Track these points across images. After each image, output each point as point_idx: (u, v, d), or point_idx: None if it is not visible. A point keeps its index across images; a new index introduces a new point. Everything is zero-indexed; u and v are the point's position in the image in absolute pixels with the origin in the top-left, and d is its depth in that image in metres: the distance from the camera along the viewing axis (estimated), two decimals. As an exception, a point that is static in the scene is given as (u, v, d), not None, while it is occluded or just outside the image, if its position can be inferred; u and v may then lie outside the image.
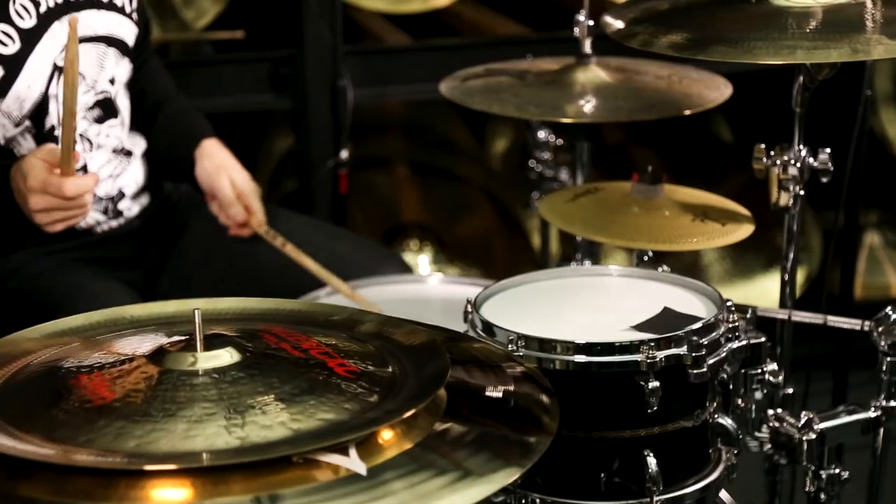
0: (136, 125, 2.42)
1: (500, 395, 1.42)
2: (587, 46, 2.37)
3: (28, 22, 2.17)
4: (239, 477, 1.21)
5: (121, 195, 2.37)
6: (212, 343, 1.38)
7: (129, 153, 2.38)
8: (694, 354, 1.73)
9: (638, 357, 1.72)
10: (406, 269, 2.55)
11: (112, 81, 2.31)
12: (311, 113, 3.23)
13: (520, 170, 4.48)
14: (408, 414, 1.30)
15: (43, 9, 2.18)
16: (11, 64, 2.16)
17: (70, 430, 1.25)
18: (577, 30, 2.38)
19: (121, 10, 2.31)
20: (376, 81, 3.28)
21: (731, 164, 4.46)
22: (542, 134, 2.79)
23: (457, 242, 4.11)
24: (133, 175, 2.40)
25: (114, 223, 2.38)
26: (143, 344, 1.43)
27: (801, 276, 4.14)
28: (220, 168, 2.39)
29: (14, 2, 2.15)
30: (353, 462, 1.25)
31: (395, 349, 1.48)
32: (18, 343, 1.45)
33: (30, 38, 2.17)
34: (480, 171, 4.43)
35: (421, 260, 3.92)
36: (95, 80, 2.28)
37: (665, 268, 2.09)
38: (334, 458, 1.24)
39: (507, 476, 1.29)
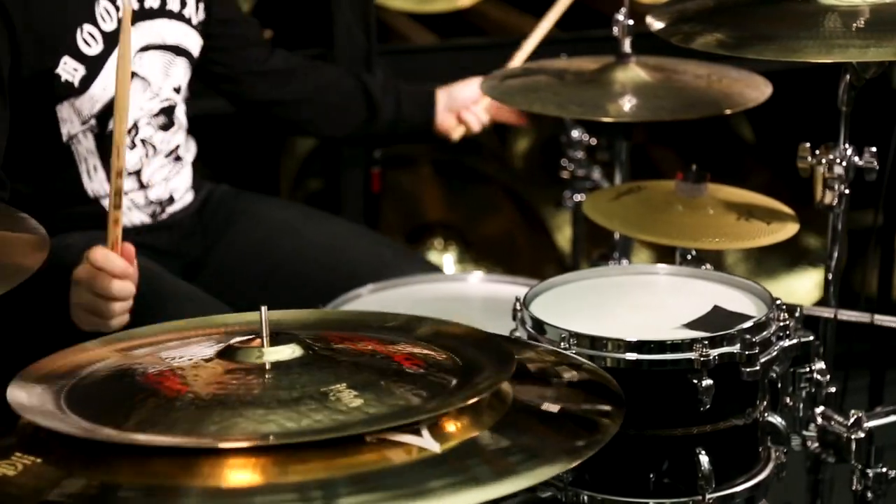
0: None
1: (556, 409, 1.42)
2: (626, 45, 2.37)
3: (110, 25, 2.19)
4: (315, 457, 1.23)
5: (170, 200, 2.39)
6: (278, 339, 1.40)
7: (179, 158, 2.40)
8: (747, 353, 1.74)
9: (691, 355, 1.72)
10: (433, 269, 2.57)
11: (177, 90, 2.32)
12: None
13: (543, 169, 4.49)
14: (479, 397, 1.31)
15: (121, 15, 2.19)
16: (93, 64, 2.17)
17: (149, 420, 1.28)
18: (616, 29, 2.38)
19: (188, 21, 2.32)
20: (407, 81, 3.28)
21: (753, 163, 4.46)
22: (575, 133, 2.79)
23: (481, 241, 4.12)
24: (183, 179, 2.42)
25: (159, 219, 2.40)
26: (208, 346, 1.45)
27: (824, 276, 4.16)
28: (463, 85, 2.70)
29: (99, 3, 2.17)
30: (426, 441, 1.26)
31: (457, 346, 1.48)
32: (86, 349, 1.46)
33: (111, 41, 2.18)
34: (503, 170, 4.43)
35: (446, 259, 3.93)
36: (160, 87, 2.29)
37: (708, 266, 2.09)
38: (407, 438, 1.26)
39: (566, 465, 1.32)
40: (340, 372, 1.37)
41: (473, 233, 4.15)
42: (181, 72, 2.33)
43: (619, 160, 2.55)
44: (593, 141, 2.80)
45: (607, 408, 1.42)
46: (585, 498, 1.79)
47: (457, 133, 2.72)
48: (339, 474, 1.22)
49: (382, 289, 2.34)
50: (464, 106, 2.69)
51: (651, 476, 1.77)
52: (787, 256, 4.05)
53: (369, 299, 2.29)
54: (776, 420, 1.83)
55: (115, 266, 1.90)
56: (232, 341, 1.41)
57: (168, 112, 2.33)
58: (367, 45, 3.11)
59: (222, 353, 1.40)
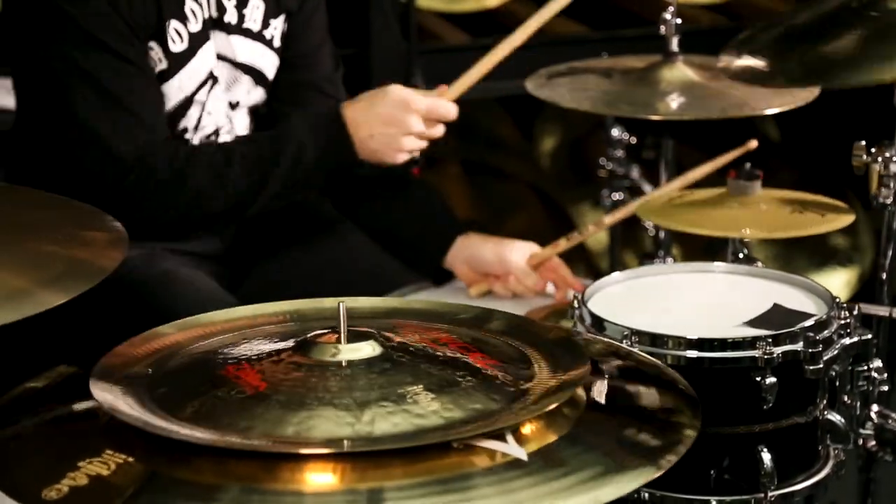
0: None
1: (652, 400, 1.42)
2: (674, 44, 2.37)
3: (195, 25, 2.19)
4: (397, 462, 1.22)
5: None
6: (355, 336, 1.40)
7: None
8: (810, 350, 1.74)
9: (754, 353, 1.73)
10: None
11: (233, 106, 2.30)
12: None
13: (570, 168, 4.50)
14: (558, 403, 1.31)
15: (206, 16, 2.21)
16: (175, 61, 2.18)
17: (230, 418, 1.27)
18: (663, 28, 2.38)
19: (268, 43, 2.31)
20: (442, 80, 3.28)
21: (779, 162, 4.46)
22: (615, 132, 2.80)
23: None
24: None
25: None
26: (283, 337, 1.45)
27: (853, 275, 4.16)
28: (501, 244, 2.38)
29: (186, 3, 2.18)
30: (511, 448, 1.25)
31: (529, 344, 1.48)
32: (161, 336, 1.46)
33: (195, 42, 2.19)
34: (530, 169, 4.44)
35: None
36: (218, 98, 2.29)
37: (760, 264, 2.09)
38: (494, 444, 1.25)
39: (647, 474, 1.31)
40: (417, 372, 1.36)
41: (501, 231, 4.15)
42: (243, 90, 2.31)
43: (665, 159, 2.56)
44: (633, 140, 2.80)
45: (684, 410, 1.41)
46: (646, 495, 1.79)
47: (475, 291, 2.36)
48: (422, 478, 1.22)
49: (429, 287, 2.35)
50: (500, 270, 2.35)
51: (712, 473, 1.77)
52: (816, 256, 4.05)
53: (420, 295, 2.30)
54: (835, 418, 1.83)
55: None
56: (308, 335, 1.41)
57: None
58: (406, 46, 3.11)
59: (298, 347, 1.40)
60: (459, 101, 3.97)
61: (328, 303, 1.56)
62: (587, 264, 4.16)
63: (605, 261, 4.14)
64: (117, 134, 2.12)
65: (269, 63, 2.33)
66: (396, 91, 2.19)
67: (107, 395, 1.29)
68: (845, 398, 1.92)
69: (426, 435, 1.24)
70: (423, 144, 2.22)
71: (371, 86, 3.22)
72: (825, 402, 1.83)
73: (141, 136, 2.13)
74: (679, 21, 2.36)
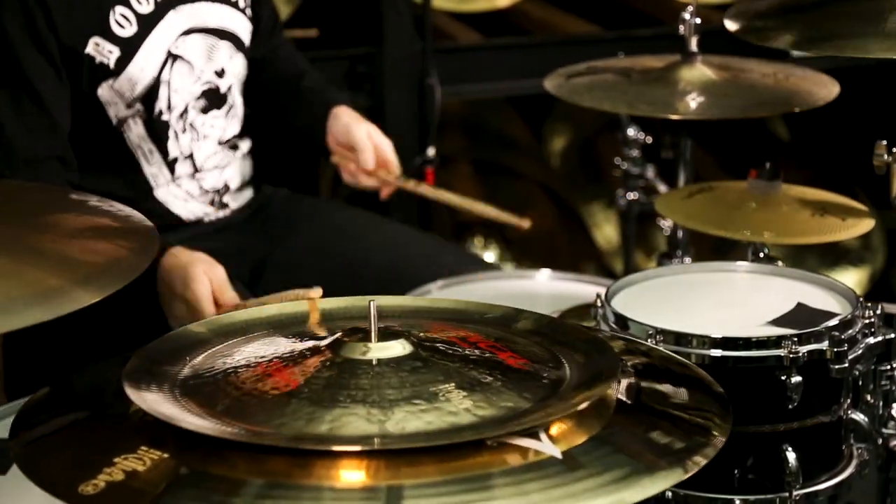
0: (266, 110, 2.49)
1: (682, 401, 1.42)
2: (693, 44, 2.37)
3: (146, 8, 2.24)
4: (429, 460, 1.22)
5: (226, 188, 2.40)
6: (385, 334, 1.40)
7: (235, 146, 2.40)
8: (836, 350, 1.74)
9: (779, 352, 1.73)
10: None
11: (220, 73, 2.34)
12: (388, 111, 3.24)
13: (581, 167, 4.50)
14: (591, 401, 1.31)
15: None
16: (127, 45, 2.22)
17: (263, 415, 1.28)
18: (682, 28, 2.38)
19: (234, 5, 2.35)
20: (457, 80, 3.30)
21: (788, 162, 4.46)
22: (631, 131, 2.80)
23: (520, 240, 4.12)
24: (238, 169, 2.44)
25: (220, 214, 2.42)
26: (313, 335, 1.46)
27: (864, 275, 4.17)
28: (358, 120, 2.47)
29: None
30: (545, 446, 1.25)
31: (558, 343, 1.48)
32: (192, 334, 1.46)
33: (147, 24, 2.23)
34: (540, 168, 4.44)
35: (487, 257, 3.94)
36: (202, 70, 2.32)
37: (780, 263, 2.09)
38: (528, 442, 1.25)
39: (675, 476, 1.30)
40: (448, 370, 1.36)
41: (513, 231, 4.16)
42: (224, 55, 2.35)
43: (684, 159, 2.56)
44: (649, 139, 2.81)
45: (715, 411, 1.42)
46: (670, 494, 1.79)
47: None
48: (455, 475, 1.22)
49: (450, 285, 2.35)
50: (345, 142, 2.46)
51: (736, 472, 1.78)
52: (828, 256, 4.06)
53: (437, 295, 2.30)
54: (859, 417, 1.84)
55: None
56: (339, 334, 1.41)
57: (209, 95, 2.34)
58: (421, 45, 3.11)
59: (330, 345, 1.40)
60: (469, 101, 4.00)
61: (358, 301, 1.56)
62: (598, 263, 4.17)
63: (616, 260, 4.15)
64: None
65: (241, 27, 2.37)
66: (198, 271, 2.08)
67: (141, 393, 1.30)
68: (868, 397, 1.92)
69: (459, 433, 1.24)
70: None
71: (384, 85, 3.24)
72: (849, 401, 1.83)
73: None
74: (699, 21, 2.36)
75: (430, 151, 3.15)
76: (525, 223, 2.35)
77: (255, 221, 2.47)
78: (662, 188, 2.84)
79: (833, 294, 1.91)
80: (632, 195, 2.85)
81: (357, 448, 1.22)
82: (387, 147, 2.44)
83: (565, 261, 3.98)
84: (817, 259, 4.04)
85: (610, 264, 4.12)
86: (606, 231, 4.18)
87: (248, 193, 2.47)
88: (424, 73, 3.12)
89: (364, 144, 2.41)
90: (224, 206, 2.41)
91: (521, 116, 4.39)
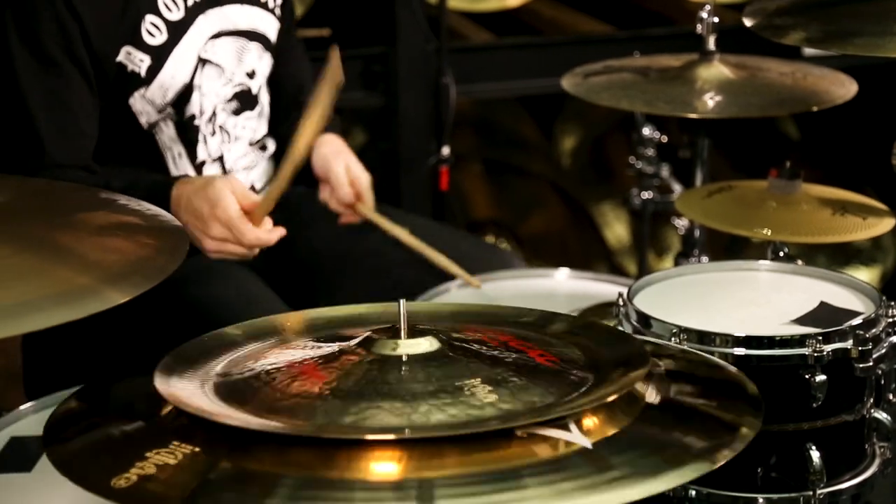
0: (272, 117, 2.44)
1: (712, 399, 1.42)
2: (711, 43, 2.37)
3: (176, 14, 2.22)
4: (454, 451, 1.23)
5: (252, 189, 2.39)
6: (414, 332, 1.40)
7: (264, 147, 2.41)
8: (860, 348, 1.74)
9: (804, 351, 1.73)
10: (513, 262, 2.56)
11: (251, 75, 2.34)
12: (402, 111, 3.24)
13: (591, 166, 4.50)
14: (620, 393, 1.31)
15: (191, 2, 2.22)
16: (158, 54, 2.20)
17: (294, 411, 1.29)
18: (700, 26, 2.38)
19: (264, 6, 2.35)
20: (470, 79, 3.30)
21: (799, 161, 4.45)
22: (646, 130, 2.80)
23: (531, 238, 4.13)
24: (264, 169, 2.44)
25: None
26: (344, 337, 1.46)
27: (875, 274, 4.16)
28: (337, 153, 2.40)
29: None
30: (575, 436, 1.26)
31: (588, 342, 1.49)
32: (226, 336, 1.47)
33: (177, 30, 2.22)
34: (551, 167, 4.44)
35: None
36: (234, 73, 2.31)
37: (800, 262, 2.09)
38: (558, 433, 1.25)
39: (700, 469, 1.33)
40: (475, 366, 1.37)
41: (524, 229, 4.16)
42: (254, 56, 2.34)
43: (701, 158, 2.55)
44: (664, 138, 2.81)
45: (745, 406, 1.42)
46: (693, 493, 1.79)
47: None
48: (481, 468, 1.22)
49: (467, 285, 2.35)
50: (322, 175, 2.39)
51: (759, 471, 1.77)
52: (839, 255, 4.06)
53: (458, 294, 2.30)
54: (882, 416, 1.83)
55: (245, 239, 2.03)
56: (369, 332, 1.42)
57: (242, 97, 2.34)
58: (436, 45, 3.11)
59: (361, 343, 1.41)
60: (481, 100, 4.01)
61: (388, 307, 1.57)
62: (609, 262, 4.17)
63: (626, 260, 4.15)
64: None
65: (270, 27, 2.36)
66: (219, 187, 2.06)
67: (174, 390, 1.30)
68: (890, 396, 1.91)
69: (487, 423, 1.25)
70: (228, 253, 2.09)
71: (398, 84, 3.25)
72: (872, 399, 1.83)
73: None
74: (717, 20, 2.36)
75: (445, 151, 3.16)
76: (476, 283, 2.31)
77: (273, 217, 2.46)
78: (677, 188, 2.84)
79: (855, 293, 1.91)
80: (646, 194, 2.85)
81: (388, 437, 1.23)
82: (363, 181, 2.38)
83: (576, 260, 3.98)
84: (828, 258, 4.04)
85: (620, 263, 4.12)
86: (617, 230, 4.19)
87: (269, 190, 2.47)
88: (439, 73, 3.12)
89: (340, 180, 2.36)
90: None
91: (532, 116, 4.39)
